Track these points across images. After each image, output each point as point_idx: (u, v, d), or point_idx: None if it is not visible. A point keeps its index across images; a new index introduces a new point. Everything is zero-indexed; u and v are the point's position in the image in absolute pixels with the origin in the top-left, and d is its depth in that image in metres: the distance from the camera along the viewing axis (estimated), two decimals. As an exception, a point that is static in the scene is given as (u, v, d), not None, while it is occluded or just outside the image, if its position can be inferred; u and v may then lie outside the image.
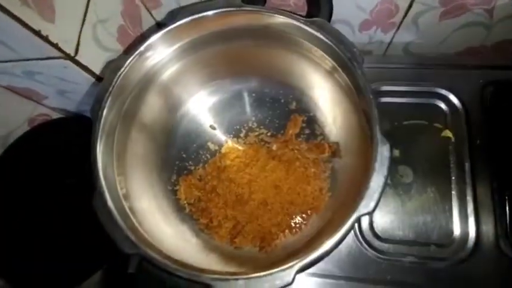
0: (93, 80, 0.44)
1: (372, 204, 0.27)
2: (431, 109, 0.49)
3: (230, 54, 0.43)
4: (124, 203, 0.35)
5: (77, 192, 0.48)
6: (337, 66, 0.35)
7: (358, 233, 0.45)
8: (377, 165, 0.28)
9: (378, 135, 0.29)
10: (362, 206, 0.28)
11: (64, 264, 0.49)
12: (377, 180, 0.28)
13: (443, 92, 0.49)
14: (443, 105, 0.49)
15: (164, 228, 0.40)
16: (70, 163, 0.50)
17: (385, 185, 0.28)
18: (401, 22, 0.50)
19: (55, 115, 0.55)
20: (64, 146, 0.51)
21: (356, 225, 0.45)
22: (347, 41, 0.33)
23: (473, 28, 0.50)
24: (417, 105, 0.50)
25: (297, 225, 0.43)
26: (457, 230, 0.44)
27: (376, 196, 0.28)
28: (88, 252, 0.50)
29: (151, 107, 0.42)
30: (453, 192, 0.45)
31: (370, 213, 0.27)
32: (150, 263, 0.30)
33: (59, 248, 0.48)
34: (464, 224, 0.44)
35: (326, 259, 0.44)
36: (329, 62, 0.37)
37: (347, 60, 0.32)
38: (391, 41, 0.55)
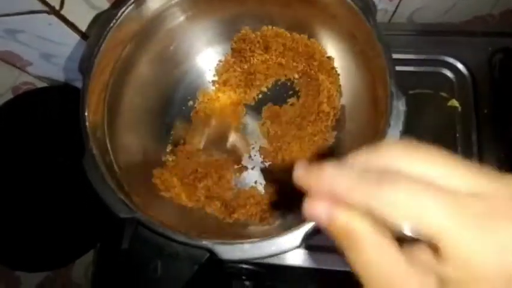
0: (81, 40, 0.41)
1: (387, 161, 0.26)
2: (437, 78, 0.47)
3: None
4: (116, 168, 0.33)
5: (67, 168, 0.46)
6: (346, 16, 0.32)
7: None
8: (392, 119, 0.26)
9: (393, 88, 0.27)
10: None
11: (57, 243, 0.47)
12: (392, 135, 0.26)
13: (450, 60, 0.47)
14: (449, 74, 0.47)
15: (159, 197, 0.38)
16: (57, 135, 0.47)
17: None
18: (408, -13, 0.48)
19: (40, 84, 0.52)
20: (49, 116, 0.48)
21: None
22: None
23: (483, -6, 0.48)
24: (423, 73, 0.48)
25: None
26: (462, 202, 0.43)
27: (391, 152, 0.26)
28: (81, 231, 0.49)
29: (147, 66, 0.39)
30: (459, 163, 0.44)
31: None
32: (147, 227, 0.28)
33: (51, 226, 0.46)
34: (470, 195, 0.43)
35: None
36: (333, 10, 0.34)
37: (357, 10, 0.30)
38: (396, 10, 0.53)
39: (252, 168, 0.43)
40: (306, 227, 0.26)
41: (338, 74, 0.41)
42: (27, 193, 0.46)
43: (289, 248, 0.26)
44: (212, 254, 0.27)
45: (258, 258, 0.26)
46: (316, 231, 0.27)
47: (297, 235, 0.26)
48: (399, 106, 0.27)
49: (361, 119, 0.37)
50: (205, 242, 0.26)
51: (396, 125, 0.26)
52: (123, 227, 0.38)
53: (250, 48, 0.43)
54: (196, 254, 0.27)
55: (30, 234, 0.46)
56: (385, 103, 0.27)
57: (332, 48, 0.42)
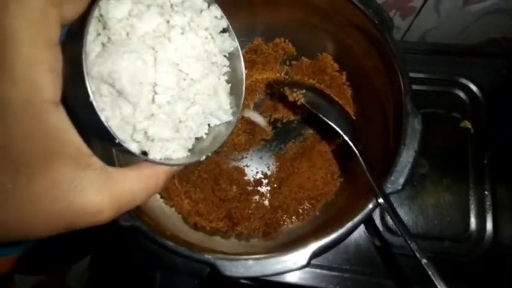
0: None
1: (401, 181, 0.25)
2: (449, 98, 0.47)
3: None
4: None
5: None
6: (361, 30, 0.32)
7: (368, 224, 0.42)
8: (407, 138, 0.25)
9: (409, 107, 0.26)
10: (389, 182, 0.25)
11: (53, 247, 0.46)
12: (406, 155, 0.25)
13: (463, 80, 0.47)
14: (462, 95, 0.47)
15: (162, 205, 0.37)
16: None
17: (416, 160, 0.25)
18: (422, 6, 0.48)
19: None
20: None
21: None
22: (376, 5, 0.30)
23: (497, 16, 0.48)
24: (435, 93, 0.47)
25: (305, 212, 0.40)
26: (473, 226, 0.41)
27: (406, 172, 0.25)
28: (77, 235, 0.48)
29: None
30: (470, 186, 0.43)
31: (399, 191, 0.25)
32: (147, 237, 0.27)
33: None
34: (481, 219, 0.41)
35: (332, 250, 0.41)
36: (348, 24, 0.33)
37: (373, 24, 0.29)
38: (409, 28, 0.52)
39: (259, 180, 0.42)
40: (314, 246, 0.25)
41: (349, 89, 0.41)
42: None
43: (295, 267, 0.24)
44: (213, 268, 0.26)
45: (262, 276, 0.24)
46: (323, 250, 0.26)
47: (305, 254, 0.25)
48: (415, 124, 0.26)
49: (371, 136, 0.36)
50: (207, 257, 0.25)
51: (412, 145, 0.25)
52: (122, 233, 0.37)
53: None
54: (196, 268, 0.26)
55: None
56: (398, 121, 0.26)
57: (344, 63, 0.41)
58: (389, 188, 0.25)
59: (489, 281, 0.39)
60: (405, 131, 0.26)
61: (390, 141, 0.28)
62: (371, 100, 0.35)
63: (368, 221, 0.43)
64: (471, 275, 0.40)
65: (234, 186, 0.40)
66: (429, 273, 0.22)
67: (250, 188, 0.41)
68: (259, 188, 0.41)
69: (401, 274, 0.40)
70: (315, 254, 0.25)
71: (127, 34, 0.16)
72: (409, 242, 0.23)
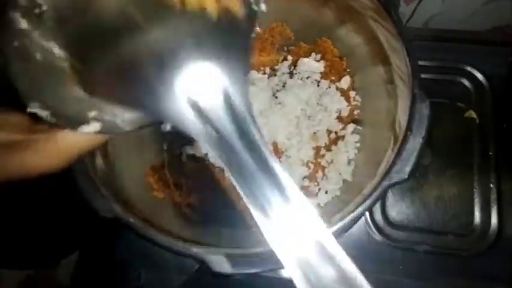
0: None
1: (407, 169, 0.23)
2: (454, 87, 0.45)
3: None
4: (104, 164, 0.30)
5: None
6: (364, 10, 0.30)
7: (369, 217, 0.41)
8: (414, 125, 0.23)
9: (416, 91, 0.24)
10: (394, 171, 0.23)
11: (41, 242, 0.45)
12: (413, 143, 0.23)
13: (468, 68, 0.45)
14: (467, 83, 0.45)
15: (152, 197, 0.35)
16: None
17: (423, 148, 0.23)
18: (427, -10, 0.46)
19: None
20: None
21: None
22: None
23: (503, 3, 0.46)
24: (439, 81, 0.45)
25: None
26: (477, 219, 0.40)
27: (412, 160, 0.23)
28: (67, 231, 0.46)
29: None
30: (475, 178, 0.41)
31: (405, 181, 0.23)
32: (135, 232, 0.25)
33: (36, 224, 0.44)
34: (485, 213, 0.40)
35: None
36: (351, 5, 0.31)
37: (379, 4, 0.27)
38: (413, 14, 0.50)
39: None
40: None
41: (352, 75, 0.39)
42: (12, 189, 0.43)
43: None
44: (203, 264, 0.24)
45: (256, 272, 0.23)
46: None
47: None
48: (423, 109, 0.24)
49: (378, 123, 0.34)
50: (195, 251, 0.23)
51: (419, 132, 0.23)
52: (111, 227, 0.35)
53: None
54: (185, 263, 0.24)
55: (13, 231, 0.44)
56: (404, 107, 0.24)
57: (346, 48, 0.39)
58: (394, 177, 0.23)
59: (493, 276, 0.38)
60: (412, 117, 0.24)
61: (395, 129, 0.26)
62: (374, 87, 0.33)
63: (369, 215, 0.41)
64: (475, 270, 0.38)
65: (228, 179, 0.38)
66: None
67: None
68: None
69: (401, 269, 0.39)
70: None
71: None
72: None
